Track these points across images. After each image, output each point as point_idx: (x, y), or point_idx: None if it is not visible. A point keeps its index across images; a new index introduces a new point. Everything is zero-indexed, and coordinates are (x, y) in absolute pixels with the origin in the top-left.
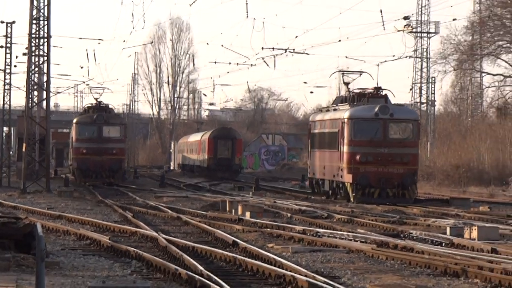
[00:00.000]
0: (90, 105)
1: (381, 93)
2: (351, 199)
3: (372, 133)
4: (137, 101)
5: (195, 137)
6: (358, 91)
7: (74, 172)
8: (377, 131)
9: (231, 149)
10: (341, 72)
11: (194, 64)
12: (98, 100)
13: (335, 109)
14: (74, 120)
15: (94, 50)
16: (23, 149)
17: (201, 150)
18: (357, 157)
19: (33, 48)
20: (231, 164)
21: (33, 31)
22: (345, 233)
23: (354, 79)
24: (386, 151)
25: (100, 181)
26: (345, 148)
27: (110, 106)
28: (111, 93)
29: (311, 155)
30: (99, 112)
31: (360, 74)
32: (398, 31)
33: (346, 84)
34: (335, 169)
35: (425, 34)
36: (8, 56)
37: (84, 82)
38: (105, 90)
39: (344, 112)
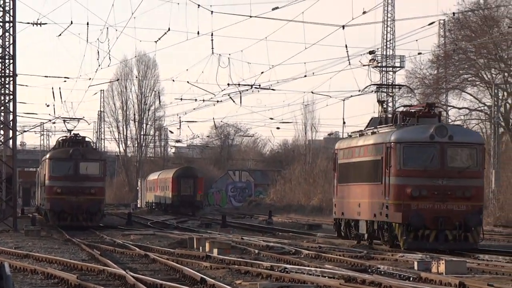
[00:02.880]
0: (64, 137)
1: (433, 110)
2: (400, 244)
3: (427, 160)
4: (104, 139)
5: (159, 176)
6: (403, 108)
7: (46, 214)
8: (432, 158)
9: (193, 187)
10: (375, 86)
11: (160, 101)
12: (73, 132)
13: (373, 133)
14: (47, 155)
15: (60, 88)
16: None
17: (166, 188)
18: (408, 190)
19: None
20: (193, 200)
21: None
22: (313, 268)
23: (387, 98)
24: (445, 183)
25: (76, 224)
26: (391, 180)
27: (87, 139)
28: (88, 124)
29: (337, 190)
30: (76, 146)
31: (399, 88)
32: (364, 65)
33: (381, 102)
34: (376, 206)
35: (390, 69)
36: None
37: (50, 121)
38: (80, 121)
39: (389, 135)
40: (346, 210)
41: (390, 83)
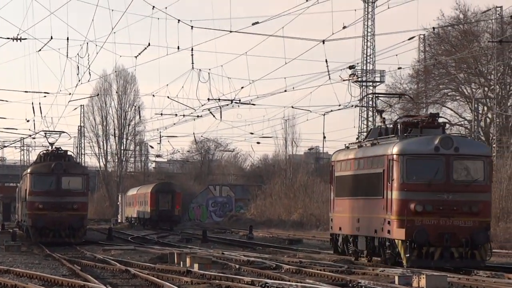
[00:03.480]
0: (46, 151)
1: (437, 121)
2: (403, 262)
3: (431, 173)
4: (84, 154)
5: (138, 191)
6: (406, 119)
7: (27, 230)
8: (437, 171)
9: (171, 202)
10: (374, 96)
11: (140, 116)
12: (55, 146)
13: (373, 144)
14: (28, 170)
15: (40, 104)
16: None
17: (144, 203)
18: (412, 205)
19: None
20: (172, 215)
21: None
22: (294, 283)
23: (385, 108)
24: (450, 198)
25: (58, 240)
26: (394, 194)
27: (69, 153)
28: (68, 139)
29: (334, 204)
30: (57, 160)
31: (400, 97)
32: (344, 80)
33: (380, 112)
34: (377, 222)
35: (371, 83)
36: None
37: (30, 136)
38: (62, 134)
39: (391, 147)
40: (344, 225)
41: (389, 93)
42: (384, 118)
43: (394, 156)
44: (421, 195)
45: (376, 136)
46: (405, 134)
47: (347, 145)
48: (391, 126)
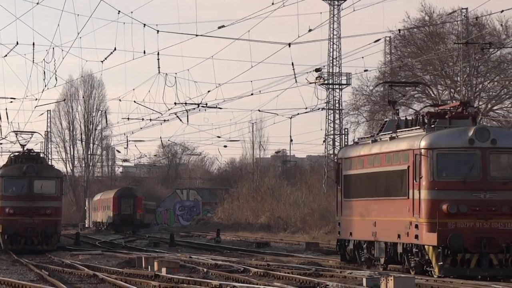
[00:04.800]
0: (17, 153)
1: (468, 110)
2: (435, 271)
3: (466, 169)
4: (51, 159)
5: (101, 196)
6: (430, 109)
7: None
8: (472, 167)
9: (133, 206)
10: (388, 86)
11: (107, 121)
12: (26, 147)
13: (392, 138)
14: None
15: (6, 109)
16: None
17: (107, 207)
18: (444, 206)
19: None
20: (133, 219)
21: None
22: (261, 286)
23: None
24: (488, 197)
25: (30, 248)
26: (422, 194)
27: (42, 155)
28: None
29: (343, 207)
30: (29, 163)
31: (416, 86)
32: (310, 83)
33: (392, 103)
34: (400, 226)
35: (337, 86)
36: None
37: None
38: (34, 135)
39: (418, 140)
40: (356, 230)
41: (402, 80)
42: (397, 109)
43: (422, 150)
44: (454, 194)
45: (393, 129)
46: (432, 126)
47: (356, 140)
48: (407, 118)
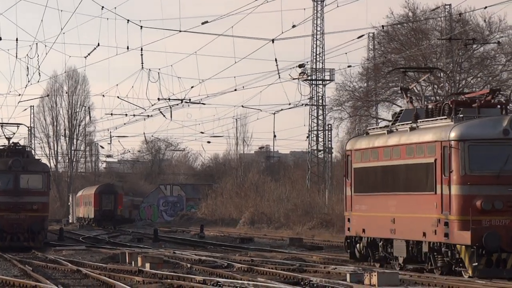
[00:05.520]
0: (2, 147)
1: (497, 98)
2: (468, 272)
3: (500, 162)
4: (35, 155)
5: (83, 192)
6: (456, 98)
7: None
8: (507, 160)
9: (113, 202)
10: (401, 71)
11: (90, 117)
12: (12, 140)
13: (413, 128)
14: None
15: None
16: None
17: (89, 203)
18: (477, 203)
19: None
20: (114, 215)
21: None
22: (245, 282)
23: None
24: None
25: (16, 244)
26: (453, 189)
27: (28, 149)
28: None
29: (353, 202)
30: (15, 157)
31: (431, 72)
32: (294, 79)
33: (404, 90)
34: (425, 223)
35: (320, 82)
36: None
37: None
38: (20, 126)
39: (447, 131)
40: (369, 226)
41: (419, 67)
42: (410, 97)
43: (452, 142)
44: (489, 189)
45: (411, 119)
46: (460, 116)
47: (366, 130)
48: (428, 107)
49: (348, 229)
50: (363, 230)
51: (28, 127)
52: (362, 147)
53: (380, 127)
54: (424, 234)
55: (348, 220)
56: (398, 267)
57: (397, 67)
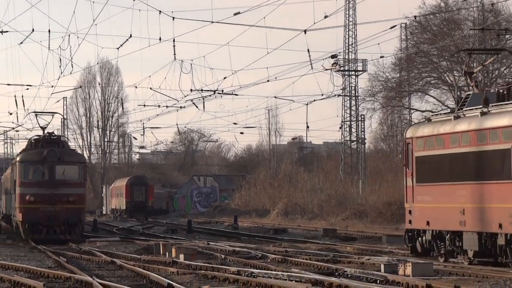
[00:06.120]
0: (37, 137)
1: None
2: None
3: None
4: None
5: (115, 184)
6: None
7: (18, 226)
8: None
9: (145, 194)
10: (467, 53)
11: (123, 108)
12: (47, 130)
13: (484, 113)
14: (18, 158)
15: (22, 96)
16: None
17: (121, 195)
18: None
19: None
20: (145, 206)
21: None
22: (279, 272)
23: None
24: None
25: (53, 237)
26: None
27: (64, 139)
28: (60, 122)
29: (415, 192)
30: (50, 147)
31: (498, 54)
32: (326, 70)
33: (469, 74)
34: (503, 214)
35: (353, 72)
36: None
37: (13, 129)
38: (54, 115)
39: None
40: (434, 218)
41: (484, 47)
42: (476, 81)
43: None
44: None
45: (481, 104)
46: None
47: (426, 117)
48: (499, 90)
49: (410, 221)
50: (427, 223)
51: (63, 116)
52: (425, 134)
53: (445, 113)
54: (500, 226)
55: (410, 212)
56: (467, 261)
57: (463, 48)
